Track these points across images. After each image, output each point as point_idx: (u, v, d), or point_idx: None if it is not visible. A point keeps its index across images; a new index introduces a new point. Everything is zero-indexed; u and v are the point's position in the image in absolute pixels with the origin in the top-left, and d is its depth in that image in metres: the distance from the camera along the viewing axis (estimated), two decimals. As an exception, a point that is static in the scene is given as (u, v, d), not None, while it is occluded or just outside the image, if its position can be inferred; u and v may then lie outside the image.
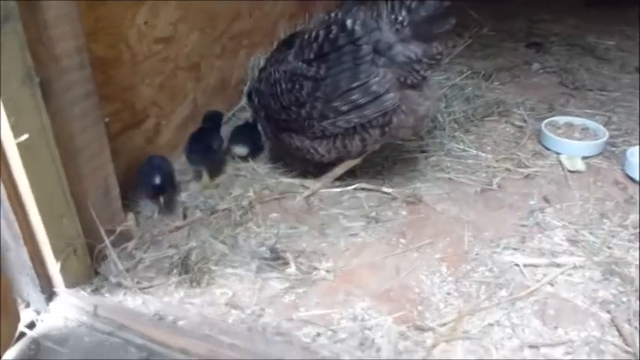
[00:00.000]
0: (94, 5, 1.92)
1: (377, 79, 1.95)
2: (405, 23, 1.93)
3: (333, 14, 2.05)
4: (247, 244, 2.00)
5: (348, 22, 1.94)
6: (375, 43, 1.94)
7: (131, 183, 2.22)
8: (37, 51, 1.42)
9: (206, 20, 2.60)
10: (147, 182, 2.11)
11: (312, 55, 2.01)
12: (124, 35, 2.10)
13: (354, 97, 1.98)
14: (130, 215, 2.04)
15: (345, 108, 2.01)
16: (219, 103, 2.80)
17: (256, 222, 2.13)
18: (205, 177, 2.36)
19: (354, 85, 1.97)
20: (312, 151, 2.19)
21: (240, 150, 2.52)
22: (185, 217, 2.14)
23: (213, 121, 2.53)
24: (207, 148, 2.36)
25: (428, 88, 2.14)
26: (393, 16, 1.93)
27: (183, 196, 2.28)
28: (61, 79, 1.53)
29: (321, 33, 1.99)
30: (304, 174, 2.44)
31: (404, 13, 1.92)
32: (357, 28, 1.93)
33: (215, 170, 2.45)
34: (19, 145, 1.38)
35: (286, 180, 2.42)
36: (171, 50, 2.40)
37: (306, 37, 2.06)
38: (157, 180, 2.10)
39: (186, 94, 2.56)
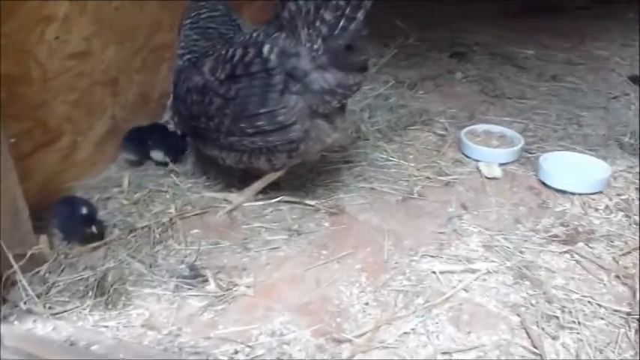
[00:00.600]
0: (-2, 21, 1.85)
1: (284, 110, 1.95)
2: (320, 51, 1.91)
3: (254, 34, 2.05)
4: (166, 262, 1.97)
5: (265, 49, 1.94)
6: (291, 69, 1.93)
7: (45, 203, 2.14)
8: None
9: (124, 34, 2.55)
10: (73, 216, 2.03)
11: (223, 75, 2.00)
12: (33, 52, 2.03)
13: (259, 122, 1.98)
14: (43, 237, 1.96)
15: (250, 130, 2.01)
16: (141, 118, 2.75)
17: (177, 239, 2.09)
18: (126, 182, 2.33)
19: (262, 111, 1.97)
20: (220, 160, 2.20)
21: (157, 155, 2.49)
22: (102, 236, 2.08)
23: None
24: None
25: (340, 118, 2.13)
26: (310, 43, 1.92)
27: (100, 214, 2.21)
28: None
29: (238, 53, 1.99)
30: (228, 187, 2.42)
31: (319, 41, 1.90)
32: (273, 57, 1.93)
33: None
34: None
35: (209, 194, 2.39)
36: (87, 65, 2.34)
37: (223, 52, 2.06)
38: (85, 210, 2.03)
39: (105, 109, 2.50)
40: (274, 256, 2.01)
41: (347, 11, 1.85)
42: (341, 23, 1.86)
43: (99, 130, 2.48)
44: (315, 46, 1.91)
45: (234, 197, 2.32)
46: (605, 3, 6.26)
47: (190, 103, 2.12)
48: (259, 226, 2.18)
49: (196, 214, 2.25)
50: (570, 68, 4.18)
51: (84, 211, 2.02)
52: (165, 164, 2.51)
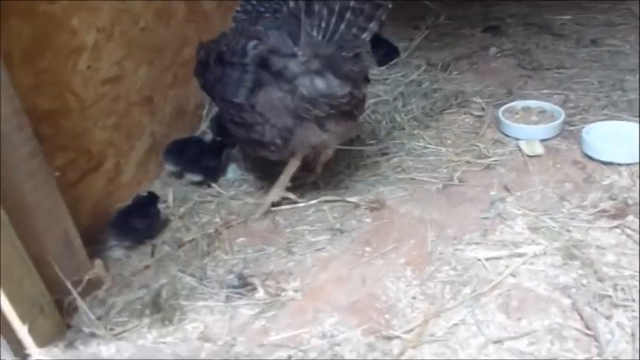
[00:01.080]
0: (32, 60, 1.93)
1: (249, 107, 2.04)
2: (316, 56, 1.92)
3: (260, 27, 2.09)
4: (215, 273, 2.02)
5: (250, 44, 1.99)
6: (282, 68, 1.95)
7: (97, 226, 2.24)
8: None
9: (153, 53, 2.61)
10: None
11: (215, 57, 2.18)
12: (68, 84, 2.11)
13: (231, 110, 2.09)
14: (98, 261, 2.05)
15: (230, 113, 2.13)
16: (179, 131, 2.82)
17: (224, 249, 2.15)
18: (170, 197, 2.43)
19: (234, 100, 2.06)
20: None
21: (193, 177, 2.56)
22: (153, 254, 2.15)
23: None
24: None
25: (336, 123, 2.08)
26: (307, 47, 1.92)
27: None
28: (1, 145, 1.54)
29: (233, 43, 2.09)
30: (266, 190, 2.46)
31: (318, 45, 1.92)
32: (251, 53, 1.99)
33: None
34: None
35: (252, 200, 2.43)
36: (121, 89, 2.41)
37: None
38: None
39: (143, 128, 2.58)
40: (319, 257, 2.04)
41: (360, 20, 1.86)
42: (341, 30, 1.91)
43: (140, 149, 2.56)
44: (310, 51, 1.91)
45: (265, 198, 2.36)
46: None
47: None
48: (302, 229, 2.20)
49: (240, 222, 2.29)
50: (611, 30, 4.02)
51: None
52: (202, 183, 2.56)
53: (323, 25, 1.93)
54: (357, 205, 2.30)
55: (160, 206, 2.42)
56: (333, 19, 1.94)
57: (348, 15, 1.94)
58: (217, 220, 2.30)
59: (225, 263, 2.07)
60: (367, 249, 2.05)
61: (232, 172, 2.64)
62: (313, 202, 2.36)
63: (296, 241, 2.14)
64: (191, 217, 2.37)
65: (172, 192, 2.54)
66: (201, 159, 2.56)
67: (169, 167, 2.61)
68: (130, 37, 2.44)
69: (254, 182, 2.57)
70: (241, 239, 2.20)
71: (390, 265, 1.95)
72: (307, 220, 2.26)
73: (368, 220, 2.21)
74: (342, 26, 1.94)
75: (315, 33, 1.94)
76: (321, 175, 2.46)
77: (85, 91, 2.19)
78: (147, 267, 2.11)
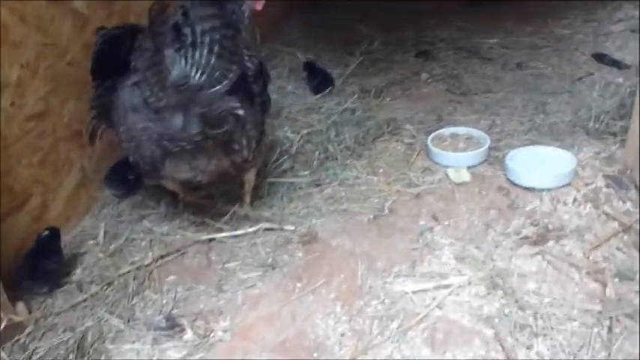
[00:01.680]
0: (-49, 98, 1.86)
1: (123, 128, 2.14)
2: (160, 88, 1.91)
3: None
4: (144, 314, 1.99)
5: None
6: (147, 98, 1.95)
7: (20, 268, 2.17)
8: None
9: (82, 86, 2.55)
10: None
11: None
12: (-10, 122, 2.04)
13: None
14: (20, 304, 1.99)
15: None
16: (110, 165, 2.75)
17: (154, 288, 2.12)
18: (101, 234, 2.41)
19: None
20: None
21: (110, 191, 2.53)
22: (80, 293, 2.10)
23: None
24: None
25: (204, 157, 2.10)
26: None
27: (77, 271, 2.24)
28: None
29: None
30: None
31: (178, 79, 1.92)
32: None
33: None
34: None
35: (187, 234, 2.41)
36: (47, 124, 2.36)
37: None
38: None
39: (72, 164, 2.52)
40: (250, 294, 2.04)
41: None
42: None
43: (68, 185, 2.50)
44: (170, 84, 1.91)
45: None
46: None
47: None
48: (234, 265, 2.19)
49: (172, 259, 2.27)
50: (535, 53, 4.21)
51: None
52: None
53: (196, 57, 1.93)
54: (289, 240, 2.31)
55: (90, 242, 2.37)
56: (205, 52, 1.93)
57: (217, 49, 1.94)
58: (149, 257, 2.26)
59: (155, 303, 2.04)
60: (298, 284, 2.06)
61: (165, 205, 2.60)
62: (247, 231, 2.35)
63: (227, 278, 2.13)
64: (122, 254, 2.33)
65: (104, 227, 2.48)
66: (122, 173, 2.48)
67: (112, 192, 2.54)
68: (56, 72, 2.39)
69: (188, 216, 2.53)
70: (172, 277, 2.18)
71: (320, 300, 1.97)
72: (239, 256, 2.25)
73: (300, 255, 2.22)
74: (213, 60, 1.93)
75: (186, 65, 1.93)
76: (252, 208, 2.47)
77: (8, 128, 2.14)
78: (73, 307, 2.05)
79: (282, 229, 2.35)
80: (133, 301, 2.05)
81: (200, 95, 1.93)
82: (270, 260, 2.20)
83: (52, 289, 2.14)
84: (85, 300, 2.08)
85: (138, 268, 2.21)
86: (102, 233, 2.45)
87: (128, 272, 2.19)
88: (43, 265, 2.13)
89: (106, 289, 2.13)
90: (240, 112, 1.98)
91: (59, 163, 2.45)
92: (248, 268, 2.18)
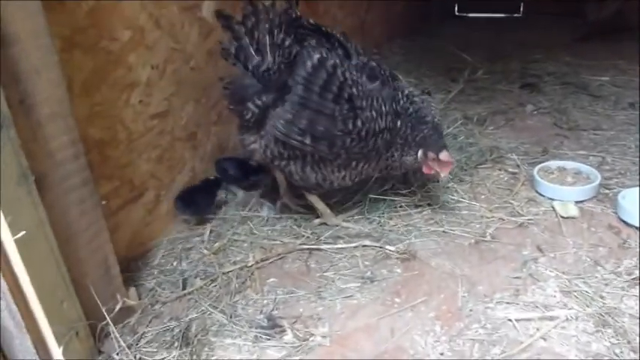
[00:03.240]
0: (90, 92, 2.03)
1: None
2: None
3: None
4: (245, 312, 2.05)
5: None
6: None
7: (133, 255, 2.30)
8: (31, 149, 1.52)
9: (201, 91, 2.71)
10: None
11: None
12: (120, 116, 2.20)
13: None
14: (132, 290, 2.10)
15: None
16: (218, 168, 2.88)
17: (255, 288, 2.17)
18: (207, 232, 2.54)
19: None
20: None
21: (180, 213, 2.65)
22: (184, 286, 2.19)
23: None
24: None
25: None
26: None
27: (183, 265, 2.34)
28: (56, 172, 1.62)
29: None
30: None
31: None
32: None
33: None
34: (16, 241, 1.46)
35: (286, 240, 2.47)
36: (167, 124, 2.50)
37: None
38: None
39: (185, 163, 2.66)
40: (348, 304, 2.05)
41: None
42: None
43: (180, 182, 2.63)
44: None
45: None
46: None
47: None
48: (333, 274, 2.22)
49: (272, 262, 2.32)
50: (649, 94, 4.03)
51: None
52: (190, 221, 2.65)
53: None
54: (388, 255, 2.31)
55: (196, 239, 2.48)
56: None
57: None
58: (250, 259, 2.33)
59: (256, 302, 2.10)
60: (397, 300, 2.06)
61: (267, 209, 2.68)
62: (350, 245, 2.38)
63: (326, 286, 2.16)
64: (225, 253, 2.41)
65: (209, 227, 2.59)
66: (193, 195, 2.62)
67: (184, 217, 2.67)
68: (180, 76, 2.54)
69: (288, 220, 2.60)
70: (272, 280, 2.23)
71: (419, 318, 1.96)
72: (338, 266, 2.28)
73: (398, 271, 2.22)
74: None
75: None
76: (353, 223, 2.53)
77: (134, 125, 2.28)
78: (178, 298, 2.14)
79: (381, 247, 2.36)
80: (236, 299, 2.12)
81: None
82: (368, 273, 2.21)
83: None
84: (190, 293, 2.16)
85: (240, 268, 2.28)
86: (207, 232, 2.54)
87: (231, 271, 2.26)
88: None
89: (210, 284, 2.20)
90: None
91: (174, 161, 2.59)
92: (347, 278, 2.20)
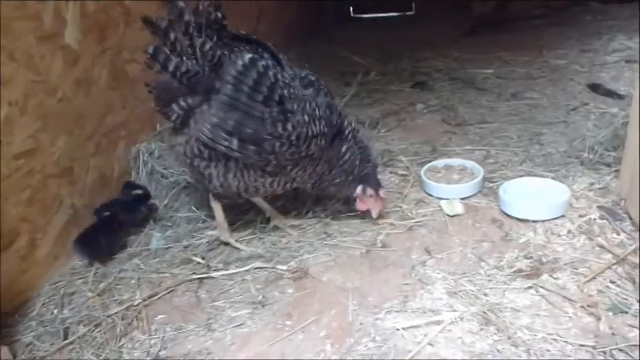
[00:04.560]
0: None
1: None
2: None
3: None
4: (131, 356, 1.95)
5: None
6: None
7: (8, 308, 2.14)
8: None
9: (72, 123, 2.57)
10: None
11: None
12: (-24, 162, 2.04)
13: None
14: (4, 349, 1.95)
15: None
16: (103, 200, 2.75)
17: (142, 328, 2.08)
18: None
19: None
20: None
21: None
22: (66, 336, 2.06)
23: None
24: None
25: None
26: None
27: (65, 312, 2.20)
28: None
29: None
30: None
31: None
32: None
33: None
34: None
35: (176, 272, 2.38)
36: (36, 162, 2.35)
37: None
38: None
39: (61, 201, 2.51)
40: (239, 333, 1.99)
41: None
42: None
43: (58, 222, 2.48)
44: None
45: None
46: (561, 9, 6.36)
47: None
48: (224, 303, 2.16)
49: (161, 297, 2.23)
50: (530, 83, 4.23)
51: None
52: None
53: None
54: (280, 276, 2.27)
55: (79, 282, 2.35)
56: None
57: None
58: (137, 296, 2.23)
59: (142, 344, 2.00)
60: (288, 322, 2.02)
61: (156, 241, 2.58)
62: (237, 270, 2.32)
63: (216, 317, 2.09)
64: (111, 293, 2.29)
65: (94, 268, 2.45)
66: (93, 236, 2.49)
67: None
68: (46, 109, 2.40)
69: (178, 249, 2.51)
70: (161, 316, 2.14)
71: (309, 339, 1.93)
72: (229, 293, 2.22)
73: (290, 291, 2.19)
74: None
75: None
76: (245, 244, 2.47)
77: (-5, 168, 2.13)
78: (59, 350, 2.01)
79: (274, 268, 2.32)
80: (122, 342, 2.01)
81: None
82: (260, 297, 2.16)
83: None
84: (71, 342, 2.03)
85: (126, 308, 2.17)
86: (92, 272, 2.41)
87: (116, 313, 2.15)
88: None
89: (94, 330, 2.08)
90: None
91: (48, 201, 2.44)
92: (238, 305, 2.14)
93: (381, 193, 2.47)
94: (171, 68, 2.12)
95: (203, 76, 2.15)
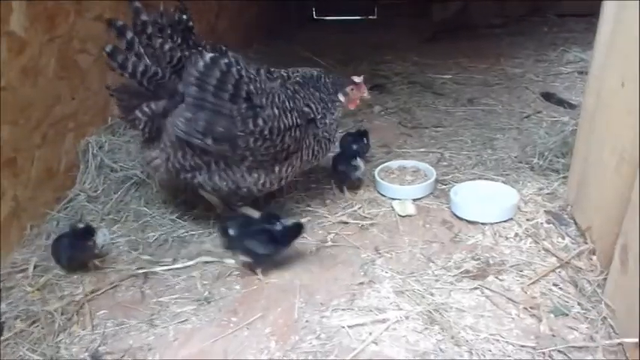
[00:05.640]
0: None
1: None
2: None
3: None
4: (69, 352, 1.88)
5: None
6: None
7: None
8: None
9: (17, 113, 2.48)
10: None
11: None
12: None
13: None
14: None
15: None
16: (48, 193, 2.67)
17: (82, 324, 2.01)
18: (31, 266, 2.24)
19: None
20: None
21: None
22: (1, 332, 1.98)
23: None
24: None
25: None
26: None
27: (2, 306, 2.12)
28: None
29: None
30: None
31: None
32: None
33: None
34: None
35: (120, 267, 2.32)
36: (-23, 151, 2.26)
37: None
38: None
39: (4, 193, 2.41)
40: (182, 329, 1.95)
41: None
42: None
43: (-2, 215, 2.39)
44: None
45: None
46: (520, 19, 6.51)
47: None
48: (169, 299, 2.11)
49: (104, 293, 2.17)
50: (486, 89, 4.30)
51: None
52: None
53: None
54: (229, 271, 2.24)
55: (19, 276, 2.27)
56: None
57: None
58: (79, 291, 2.16)
59: (82, 340, 1.94)
60: (233, 319, 1.99)
61: (103, 236, 2.50)
62: (184, 265, 2.28)
63: (160, 313, 2.04)
64: (52, 288, 2.22)
65: (35, 260, 2.37)
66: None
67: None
68: (-10, 97, 2.31)
69: (125, 245, 2.45)
70: (103, 312, 2.08)
71: (254, 336, 1.90)
72: (175, 289, 2.17)
73: (237, 287, 2.16)
74: None
75: None
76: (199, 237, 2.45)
77: None
78: (-10, 346, 1.93)
79: (222, 262, 2.29)
80: (60, 338, 1.94)
81: None
82: (206, 293, 2.12)
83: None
84: (7, 339, 1.95)
85: (67, 304, 2.10)
86: (32, 266, 2.33)
87: (56, 308, 2.07)
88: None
89: (31, 325, 2.01)
90: None
91: (-11, 193, 2.35)
92: (183, 301, 2.10)
93: (355, 79, 2.61)
94: (129, 69, 2.09)
95: (164, 79, 2.12)
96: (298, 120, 2.31)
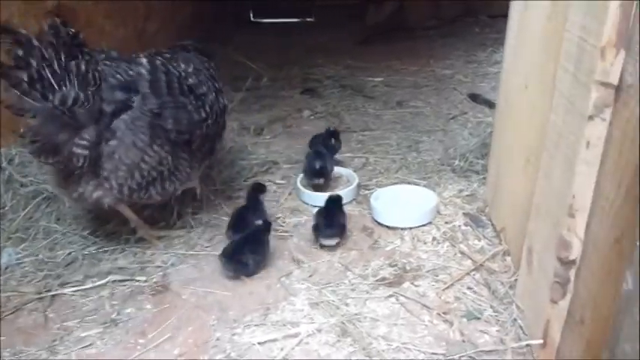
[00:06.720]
0: None
1: None
2: None
3: None
4: (-44, 388, 1.76)
5: None
6: None
7: None
8: None
9: None
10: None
11: None
12: None
13: None
14: None
15: None
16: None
17: (-25, 355, 1.89)
18: None
19: None
20: None
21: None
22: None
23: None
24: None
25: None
26: None
27: None
28: None
29: None
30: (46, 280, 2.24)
31: None
32: None
33: None
34: None
35: (26, 290, 2.19)
36: None
37: None
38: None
39: None
40: (85, 355, 1.86)
41: None
42: None
43: None
44: None
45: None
46: (454, 20, 6.60)
47: None
48: (73, 323, 2.00)
49: (4, 318, 2.05)
50: (416, 92, 4.34)
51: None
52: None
53: None
54: (140, 290, 2.16)
55: None
56: None
57: None
58: (-26, 318, 2.04)
59: (-26, 373, 1.82)
60: (141, 341, 1.91)
61: (7, 256, 2.37)
62: (93, 285, 2.18)
63: (63, 338, 1.93)
64: (-56, 317, 2.08)
65: None
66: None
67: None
68: None
69: (31, 265, 2.32)
70: (2, 339, 1.95)
71: (161, 358, 1.82)
72: (82, 311, 2.07)
73: (148, 307, 2.08)
74: None
75: None
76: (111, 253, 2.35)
77: None
78: None
79: (134, 279, 2.20)
80: (-51, 374, 1.82)
81: None
82: (114, 315, 2.03)
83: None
84: None
85: (-38, 331, 1.97)
86: None
87: (-51, 337, 1.94)
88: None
89: None
90: None
91: None
92: (89, 324, 2.00)
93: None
94: (57, 100, 1.93)
95: (88, 103, 2.00)
96: (225, 100, 2.52)
